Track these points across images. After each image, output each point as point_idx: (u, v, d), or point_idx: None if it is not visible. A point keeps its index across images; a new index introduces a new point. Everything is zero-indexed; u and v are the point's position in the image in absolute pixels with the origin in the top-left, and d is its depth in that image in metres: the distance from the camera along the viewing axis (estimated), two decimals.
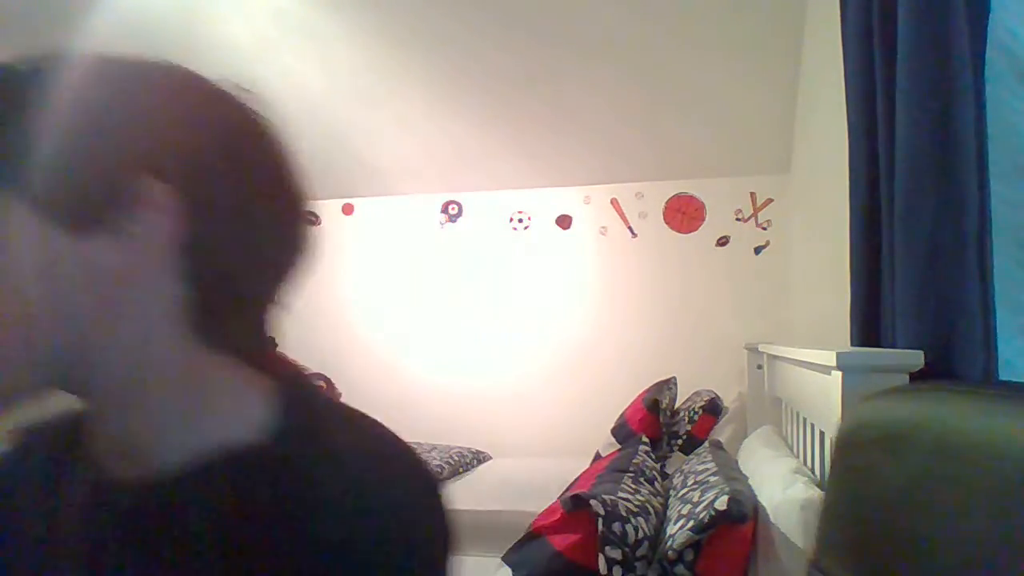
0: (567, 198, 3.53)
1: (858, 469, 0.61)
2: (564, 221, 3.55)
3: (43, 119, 0.37)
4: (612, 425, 2.64)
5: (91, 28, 3.08)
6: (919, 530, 0.51)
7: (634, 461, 1.79)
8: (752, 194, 3.29)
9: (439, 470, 2.68)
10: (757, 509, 1.24)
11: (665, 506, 1.53)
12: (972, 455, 0.49)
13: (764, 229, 3.28)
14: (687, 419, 2.61)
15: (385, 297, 3.74)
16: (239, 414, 0.45)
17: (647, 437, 2.25)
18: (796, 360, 1.40)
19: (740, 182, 3.30)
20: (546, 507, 1.44)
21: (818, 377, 1.15)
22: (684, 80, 2.89)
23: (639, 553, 1.23)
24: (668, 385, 2.77)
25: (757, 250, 3.29)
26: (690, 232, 3.38)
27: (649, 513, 1.37)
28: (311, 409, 0.47)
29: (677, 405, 2.80)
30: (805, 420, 1.40)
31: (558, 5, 2.68)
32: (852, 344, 1.25)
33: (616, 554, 1.21)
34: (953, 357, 0.91)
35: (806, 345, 1.39)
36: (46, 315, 0.39)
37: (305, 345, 3.74)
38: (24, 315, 0.38)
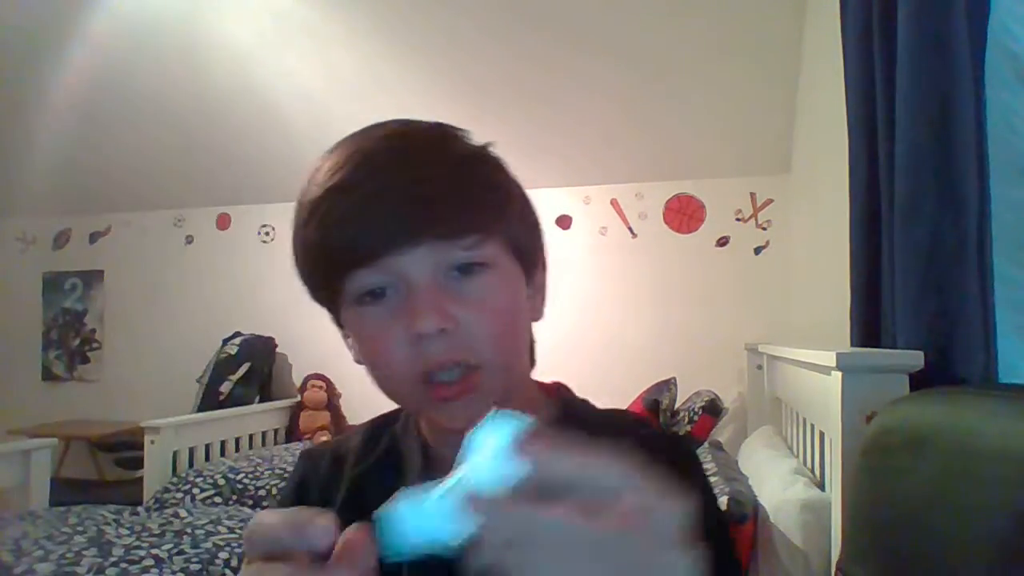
0: (567, 198, 3.53)
1: (883, 473, 0.61)
2: (564, 221, 3.54)
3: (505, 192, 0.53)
4: None
5: (91, 28, 3.08)
6: (945, 533, 0.51)
7: None
8: (752, 194, 3.29)
9: None
10: (757, 509, 1.24)
11: None
12: (995, 457, 0.49)
13: (764, 229, 3.28)
14: (687, 419, 2.61)
15: None
16: (536, 409, 0.58)
17: None
18: (796, 360, 1.40)
19: (740, 182, 3.30)
20: None
21: (818, 377, 1.15)
22: (684, 80, 2.89)
23: None
24: (668, 385, 2.77)
25: (757, 250, 3.29)
26: (690, 232, 3.38)
27: None
28: (577, 401, 0.65)
29: (677, 405, 2.80)
30: (805, 420, 1.40)
31: (558, 6, 2.68)
32: (852, 344, 1.25)
33: None
34: (953, 357, 0.91)
35: (806, 345, 1.39)
36: (526, 332, 0.56)
37: (306, 345, 3.74)
38: (523, 332, 0.55)
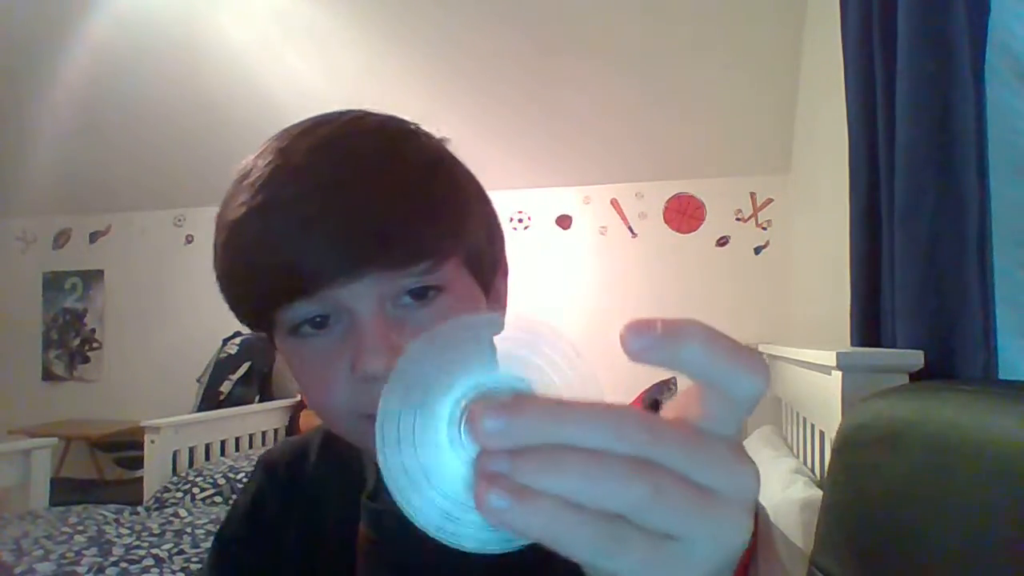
0: (567, 198, 3.54)
1: (858, 468, 0.61)
2: (564, 221, 3.55)
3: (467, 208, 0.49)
4: None
5: (91, 28, 3.08)
6: (917, 527, 0.52)
7: None
8: (752, 194, 3.29)
9: None
10: (757, 509, 1.24)
11: None
12: (969, 452, 0.49)
13: (764, 229, 3.28)
14: None
15: None
16: None
17: None
18: (796, 360, 1.40)
19: (740, 182, 3.30)
20: None
21: (818, 377, 1.15)
22: (684, 80, 2.89)
23: None
24: (668, 385, 2.76)
25: (757, 250, 3.29)
26: (690, 232, 3.38)
27: None
28: None
29: None
30: (805, 420, 1.40)
31: (558, 6, 2.68)
32: (852, 344, 1.25)
33: None
34: (953, 357, 0.91)
35: (806, 345, 1.39)
36: None
37: None
38: None
